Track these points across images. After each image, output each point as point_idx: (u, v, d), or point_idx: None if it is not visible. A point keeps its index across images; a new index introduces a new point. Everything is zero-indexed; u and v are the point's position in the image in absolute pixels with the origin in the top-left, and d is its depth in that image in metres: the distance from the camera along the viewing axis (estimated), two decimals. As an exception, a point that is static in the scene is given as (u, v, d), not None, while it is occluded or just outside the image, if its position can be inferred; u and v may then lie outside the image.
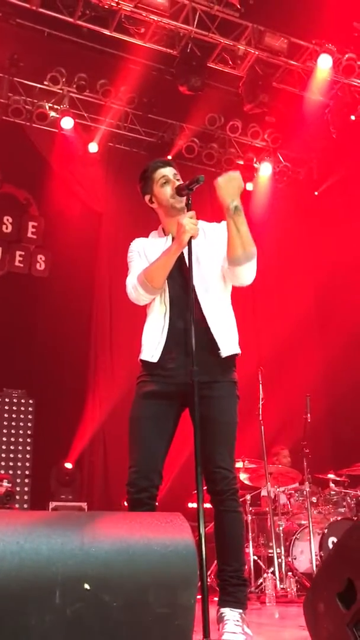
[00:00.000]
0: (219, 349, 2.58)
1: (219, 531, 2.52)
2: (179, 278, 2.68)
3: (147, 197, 2.83)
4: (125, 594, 1.32)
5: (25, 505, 6.35)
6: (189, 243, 2.55)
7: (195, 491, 5.79)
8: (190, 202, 2.66)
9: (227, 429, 2.58)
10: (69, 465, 6.81)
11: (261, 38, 6.87)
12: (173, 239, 2.69)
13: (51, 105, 7.53)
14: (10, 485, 4.98)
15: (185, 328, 2.56)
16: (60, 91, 7.48)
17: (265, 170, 8.47)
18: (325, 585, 1.89)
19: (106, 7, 6.46)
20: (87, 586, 1.28)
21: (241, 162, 8.42)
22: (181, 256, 2.65)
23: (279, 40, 6.94)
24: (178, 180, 2.78)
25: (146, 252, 2.78)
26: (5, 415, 6.64)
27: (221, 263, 2.73)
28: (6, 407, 6.73)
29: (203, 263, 2.68)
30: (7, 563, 1.23)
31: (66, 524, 1.37)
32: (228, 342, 2.63)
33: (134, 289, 2.66)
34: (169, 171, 2.78)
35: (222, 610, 2.43)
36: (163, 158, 2.97)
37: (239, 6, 6.59)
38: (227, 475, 2.51)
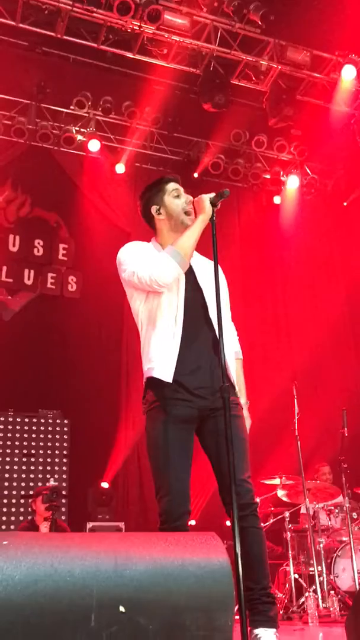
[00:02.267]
0: (231, 379, 2.63)
1: (243, 549, 2.45)
2: (194, 294, 2.66)
3: (153, 208, 2.76)
4: (161, 617, 1.30)
5: (63, 526, 6.36)
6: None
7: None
8: (214, 217, 2.57)
9: (244, 445, 2.57)
10: (105, 485, 6.80)
11: (283, 52, 6.90)
12: None
13: (78, 129, 7.67)
14: (57, 483, 4.98)
15: (195, 344, 2.58)
16: (87, 115, 7.62)
17: (292, 183, 8.45)
18: (368, 605, 1.83)
19: (129, 30, 6.57)
20: (122, 609, 1.26)
21: (268, 176, 8.43)
22: (192, 275, 2.67)
23: (302, 54, 6.96)
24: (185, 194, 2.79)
25: (150, 251, 2.71)
26: (42, 436, 6.68)
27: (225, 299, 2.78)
28: (42, 428, 6.77)
29: (212, 292, 2.57)
30: (41, 585, 1.23)
31: (100, 545, 1.36)
32: (233, 370, 2.71)
33: (161, 263, 2.52)
34: (179, 187, 2.79)
35: (257, 631, 2.33)
36: (175, 175, 2.92)
37: (260, 22, 6.62)
38: (250, 488, 2.49)
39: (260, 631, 2.31)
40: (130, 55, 6.89)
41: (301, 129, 7.89)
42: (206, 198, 2.56)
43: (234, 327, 2.87)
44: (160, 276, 2.53)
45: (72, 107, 7.53)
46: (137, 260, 2.62)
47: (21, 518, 6.40)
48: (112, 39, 6.79)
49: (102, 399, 7.40)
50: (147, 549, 1.38)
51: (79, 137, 7.67)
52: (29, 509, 5.62)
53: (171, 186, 2.76)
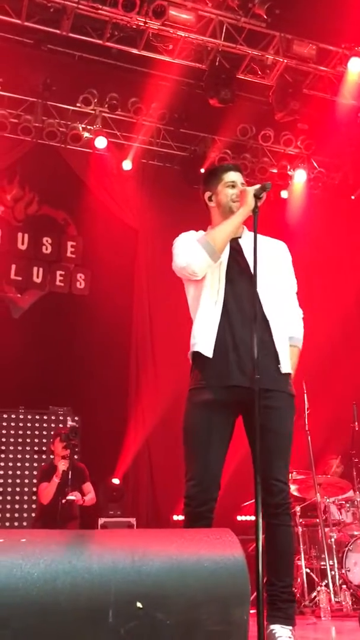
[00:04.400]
0: (279, 363, 2.53)
1: (270, 545, 2.46)
2: (236, 280, 2.63)
3: (207, 194, 2.80)
4: (178, 612, 1.31)
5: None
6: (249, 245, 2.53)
7: (245, 504, 5.71)
8: (257, 210, 2.58)
9: (285, 441, 2.51)
10: (116, 481, 6.84)
11: (289, 46, 6.85)
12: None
13: (84, 126, 7.66)
14: (75, 423, 5.06)
15: (239, 324, 2.55)
16: (93, 112, 7.62)
17: (299, 177, 8.41)
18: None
19: (134, 27, 6.56)
20: (139, 605, 1.28)
21: (275, 171, 8.39)
22: (242, 258, 2.65)
23: (308, 47, 6.91)
24: (243, 184, 2.76)
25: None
26: (52, 432, 6.71)
27: (283, 282, 2.73)
28: (52, 425, 6.81)
29: (265, 274, 2.58)
30: (60, 582, 1.24)
31: (117, 542, 1.37)
32: (287, 359, 2.59)
33: (193, 251, 2.56)
34: (237, 177, 2.77)
35: (273, 627, 2.35)
36: (236, 163, 2.91)
37: (265, 16, 6.59)
38: (284, 488, 2.47)
39: (276, 627, 2.32)
40: (135, 51, 6.88)
41: (308, 122, 7.85)
42: (250, 191, 2.57)
43: (297, 312, 2.79)
44: (190, 265, 2.57)
45: (78, 105, 7.52)
46: (179, 249, 2.67)
47: (32, 514, 6.45)
48: (118, 35, 6.78)
49: (111, 395, 7.43)
50: (164, 545, 1.39)
51: (86, 134, 7.67)
52: (51, 455, 5.72)
53: (228, 176, 2.76)
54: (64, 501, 4.80)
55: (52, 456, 5.53)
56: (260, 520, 2.06)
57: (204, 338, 2.55)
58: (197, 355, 2.57)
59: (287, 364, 2.57)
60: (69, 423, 5.13)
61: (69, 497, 4.82)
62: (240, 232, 2.76)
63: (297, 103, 7.08)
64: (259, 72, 7.18)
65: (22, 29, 6.70)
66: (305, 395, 5.03)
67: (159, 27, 6.51)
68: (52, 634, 1.22)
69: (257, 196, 2.55)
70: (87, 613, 1.25)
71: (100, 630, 1.25)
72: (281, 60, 6.96)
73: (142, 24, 6.48)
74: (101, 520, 6.32)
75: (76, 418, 6.44)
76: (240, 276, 2.64)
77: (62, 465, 4.94)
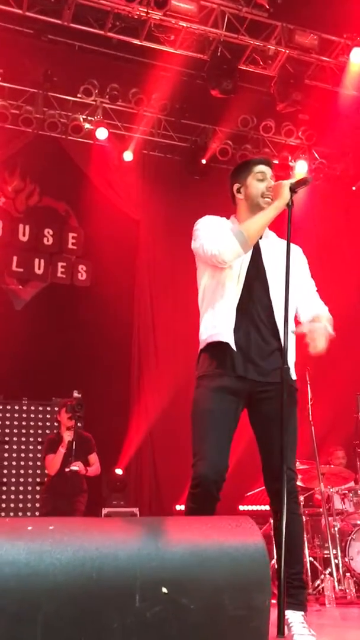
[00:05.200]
0: (286, 362, 2.55)
1: (279, 533, 2.50)
2: (255, 280, 2.65)
3: (235, 186, 2.78)
4: (202, 597, 1.34)
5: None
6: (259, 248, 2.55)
7: (248, 493, 5.74)
8: (292, 203, 2.58)
9: (293, 431, 2.56)
10: (119, 472, 6.88)
11: (291, 36, 6.84)
12: None
13: (85, 117, 7.64)
14: (80, 396, 5.11)
15: (256, 325, 2.59)
16: (94, 102, 7.59)
17: (300, 168, 8.41)
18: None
19: (135, 17, 6.54)
20: (164, 590, 1.31)
21: (276, 162, 8.38)
22: (260, 261, 2.67)
23: (309, 38, 6.90)
24: (272, 178, 2.76)
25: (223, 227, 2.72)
26: (56, 424, 6.73)
27: (300, 286, 2.73)
28: (55, 416, 6.82)
29: (279, 279, 2.58)
30: (87, 569, 1.27)
31: (141, 529, 1.40)
32: (292, 362, 2.63)
33: (225, 239, 2.55)
34: (267, 170, 2.76)
35: (285, 612, 2.41)
36: (267, 157, 2.90)
37: (267, 6, 6.58)
38: (292, 476, 2.51)
39: (289, 613, 2.37)
40: (137, 42, 6.86)
41: (309, 113, 7.85)
42: (286, 184, 2.55)
43: (317, 300, 2.79)
44: (221, 253, 2.55)
45: (79, 95, 7.50)
46: (207, 233, 2.64)
47: (37, 505, 6.49)
48: (119, 25, 6.76)
49: (114, 386, 7.45)
50: (187, 532, 1.42)
51: (87, 125, 7.65)
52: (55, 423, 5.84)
53: (258, 168, 2.74)
54: (67, 470, 4.84)
55: (56, 424, 5.59)
56: (285, 510, 2.14)
57: (224, 329, 2.58)
58: (215, 345, 2.60)
59: (291, 359, 2.62)
60: (75, 394, 5.14)
61: (72, 468, 4.86)
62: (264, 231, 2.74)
63: (298, 94, 7.08)
64: (261, 63, 7.17)
65: (22, 19, 6.67)
66: (308, 385, 5.06)
67: (160, 17, 6.49)
68: (81, 618, 1.25)
69: (292, 190, 2.55)
70: (114, 597, 1.28)
71: (127, 614, 1.28)
72: (283, 50, 6.95)
73: (144, 14, 6.46)
74: (104, 510, 6.36)
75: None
76: (256, 278, 2.65)
77: (67, 436, 5.00)
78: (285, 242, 2.79)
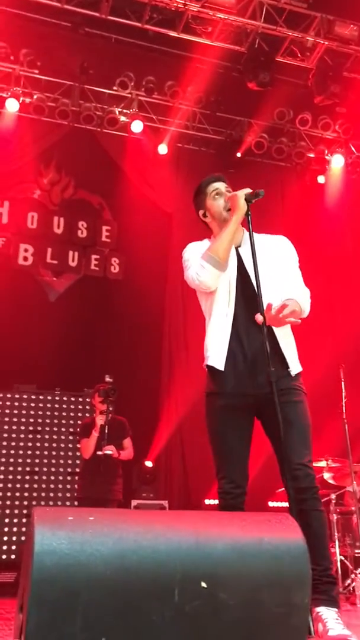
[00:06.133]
0: (288, 367, 2.66)
1: (306, 530, 2.48)
2: (246, 289, 2.71)
3: (201, 212, 2.92)
4: (241, 593, 1.33)
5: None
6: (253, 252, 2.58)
7: (278, 490, 5.70)
8: (250, 213, 2.67)
9: (306, 430, 2.62)
10: (149, 464, 6.90)
11: (330, 28, 6.74)
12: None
13: (121, 110, 7.65)
14: (112, 380, 5.16)
15: (249, 334, 2.65)
16: (129, 95, 7.59)
17: (337, 162, 8.28)
18: None
19: (173, 9, 6.50)
20: (204, 584, 1.30)
21: (312, 155, 8.29)
22: (242, 267, 2.73)
23: (349, 29, 6.79)
24: (228, 190, 2.83)
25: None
26: (87, 414, 6.79)
27: (283, 278, 2.75)
28: (87, 407, 6.89)
29: (268, 277, 2.66)
30: (127, 560, 1.27)
31: (181, 523, 1.39)
32: (294, 359, 2.71)
33: (199, 268, 2.67)
34: (220, 185, 2.86)
35: (318, 609, 2.40)
36: (215, 174, 2.97)
37: (306, -3, 6.48)
38: (309, 472, 2.54)
39: (322, 609, 2.36)
40: (174, 34, 6.82)
41: (347, 106, 7.70)
42: (241, 196, 2.64)
43: (302, 292, 2.76)
44: (202, 282, 2.69)
45: (114, 88, 7.50)
46: (190, 263, 2.78)
47: (68, 495, 6.57)
48: (156, 18, 6.73)
49: (145, 379, 7.47)
50: (226, 527, 1.41)
51: (122, 118, 7.66)
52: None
53: (210, 188, 2.86)
54: (100, 454, 4.89)
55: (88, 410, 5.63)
56: (295, 509, 2.20)
57: (216, 352, 2.69)
58: (210, 367, 2.72)
59: (295, 366, 2.70)
60: (107, 379, 5.17)
61: (106, 452, 4.90)
62: (240, 239, 2.81)
63: (337, 86, 6.96)
64: (299, 55, 7.07)
65: (61, 12, 6.69)
66: (342, 382, 5.00)
67: (198, 9, 6.45)
68: (120, 608, 1.25)
69: (248, 200, 2.63)
70: (153, 590, 1.28)
71: (166, 607, 1.27)
72: (322, 42, 6.84)
73: (182, 6, 6.43)
74: (134, 502, 6.39)
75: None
76: (245, 286, 2.71)
77: (100, 420, 5.05)
78: (266, 236, 2.89)
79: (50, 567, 1.22)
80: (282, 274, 2.76)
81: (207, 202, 2.86)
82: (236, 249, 2.79)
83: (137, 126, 7.60)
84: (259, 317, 2.45)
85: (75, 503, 6.20)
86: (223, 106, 7.90)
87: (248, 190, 2.65)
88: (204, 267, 2.65)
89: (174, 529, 1.36)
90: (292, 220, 8.25)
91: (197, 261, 2.71)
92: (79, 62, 7.32)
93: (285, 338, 2.70)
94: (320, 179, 8.41)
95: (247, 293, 2.69)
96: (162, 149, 7.90)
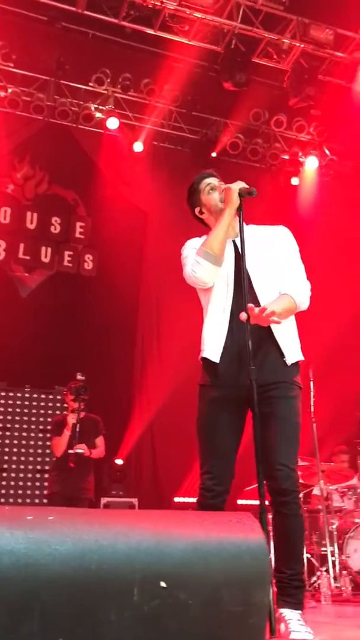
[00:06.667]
0: (284, 356, 2.58)
1: (281, 534, 2.49)
2: (239, 279, 2.67)
3: (196, 210, 2.87)
4: (200, 592, 1.33)
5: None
6: (242, 244, 2.56)
7: (247, 488, 5.75)
8: (242, 208, 2.64)
9: (293, 428, 2.55)
10: (119, 462, 6.89)
11: (306, 31, 6.79)
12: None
13: (97, 106, 7.62)
14: (84, 378, 5.14)
15: (251, 329, 2.55)
16: (105, 92, 7.56)
17: (311, 164, 8.37)
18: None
19: (150, 6, 6.49)
20: (163, 584, 1.30)
21: (286, 157, 8.36)
22: (239, 260, 2.68)
23: (325, 32, 6.85)
24: (221, 184, 2.79)
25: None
26: (57, 412, 6.76)
27: (282, 269, 2.70)
28: (58, 405, 6.85)
29: (261, 267, 2.66)
30: (87, 560, 1.27)
31: (141, 522, 1.40)
32: (292, 347, 2.62)
33: (195, 264, 2.64)
34: (213, 180, 2.82)
35: (283, 610, 2.42)
36: (207, 170, 2.95)
37: (283, -1, 6.53)
38: (290, 474, 2.47)
39: (286, 611, 2.39)
40: (151, 31, 6.81)
41: (321, 109, 7.78)
42: (235, 190, 2.61)
43: (301, 285, 2.71)
44: (198, 279, 2.67)
45: (91, 84, 7.48)
46: (186, 262, 2.75)
47: (37, 492, 6.53)
48: (133, 15, 6.71)
49: (117, 377, 7.46)
50: (187, 527, 1.42)
51: (98, 114, 7.63)
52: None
53: (203, 184, 2.82)
54: (70, 452, 4.86)
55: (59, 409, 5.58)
56: (264, 506, 2.12)
57: (212, 345, 2.64)
58: (206, 359, 2.67)
59: (292, 355, 2.60)
60: (78, 377, 5.14)
61: (77, 450, 4.88)
62: (236, 232, 2.74)
63: (312, 89, 7.03)
64: (275, 56, 7.12)
65: (36, 5, 6.63)
66: (311, 382, 5.05)
67: (175, 7, 6.45)
68: (78, 609, 1.24)
69: (241, 195, 2.60)
70: (112, 590, 1.27)
71: (125, 607, 1.27)
72: (297, 44, 6.89)
73: (159, 4, 6.42)
74: (104, 500, 6.38)
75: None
76: (242, 279, 2.65)
77: (71, 419, 5.02)
78: (264, 227, 2.86)
79: (8, 567, 1.21)
80: (280, 265, 2.70)
81: (202, 198, 2.81)
82: (233, 241, 2.74)
83: (112, 123, 7.58)
84: (243, 315, 2.42)
85: (45, 501, 6.18)
86: (199, 105, 7.93)
87: (243, 185, 2.62)
88: (199, 263, 2.62)
89: (134, 528, 1.36)
90: (265, 222, 8.31)
91: (193, 257, 2.68)
92: (55, 57, 7.27)
93: (281, 327, 2.57)
94: (294, 181, 8.48)
95: (245, 293, 2.64)
96: (138, 146, 7.90)
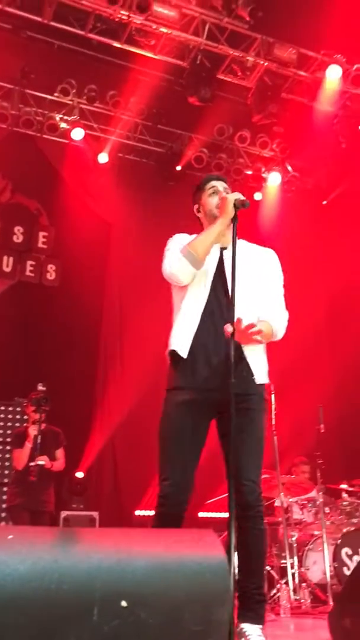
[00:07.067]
0: (252, 375, 2.59)
1: (243, 548, 2.47)
2: (220, 289, 2.67)
3: (195, 207, 2.89)
4: (161, 611, 1.33)
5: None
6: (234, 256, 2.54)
7: (209, 501, 5.74)
8: (237, 219, 2.61)
9: (258, 443, 2.56)
10: (80, 475, 6.81)
11: (270, 49, 6.92)
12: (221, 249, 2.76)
13: (62, 116, 7.59)
14: (45, 389, 5.03)
15: (216, 337, 2.56)
16: (71, 102, 7.54)
17: (273, 180, 8.50)
18: (351, 600, 1.89)
19: (117, 19, 6.52)
20: (124, 603, 1.29)
21: (250, 172, 8.47)
22: (223, 271, 2.69)
23: (288, 51, 6.98)
24: (226, 190, 2.80)
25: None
26: (17, 424, 6.64)
27: (263, 293, 2.70)
28: (17, 417, 6.74)
29: (244, 283, 2.61)
30: (46, 581, 1.25)
31: (102, 541, 1.39)
32: (261, 369, 2.64)
33: (175, 260, 2.63)
34: (219, 184, 2.83)
35: (243, 625, 2.41)
36: (219, 174, 2.97)
37: (248, 18, 6.63)
38: (255, 489, 2.49)
39: (246, 626, 2.38)
40: (117, 44, 6.83)
41: (284, 126, 7.93)
42: (231, 200, 2.59)
43: (280, 314, 2.73)
44: (173, 274, 2.65)
45: (56, 94, 7.45)
46: (168, 256, 2.72)
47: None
48: (100, 27, 6.73)
49: (79, 388, 7.39)
50: (148, 545, 1.41)
51: (63, 124, 7.60)
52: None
53: (209, 184, 2.83)
54: (32, 464, 4.78)
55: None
56: (233, 522, 2.10)
57: (182, 340, 2.61)
58: (175, 355, 2.62)
59: (261, 376, 2.62)
60: (39, 387, 5.06)
61: (38, 462, 4.80)
62: (228, 241, 2.73)
63: (275, 106, 7.16)
64: (239, 73, 7.22)
65: (1, 13, 6.57)
66: (272, 395, 5.09)
67: (142, 21, 6.48)
68: (38, 630, 1.23)
69: (236, 206, 2.59)
70: (72, 610, 1.26)
71: (84, 627, 1.26)
72: (261, 62, 7.01)
73: (125, 18, 6.45)
74: (64, 514, 6.28)
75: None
76: (220, 289, 2.69)
77: (32, 430, 4.93)
78: (255, 246, 2.87)
79: (-35, 589, 1.18)
80: (262, 288, 2.71)
81: (203, 198, 2.83)
82: (221, 250, 2.75)
83: (77, 134, 7.56)
84: (228, 328, 2.38)
85: (3, 514, 6.06)
86: (164, 119, 7.98)
87: (239, 196, 2.61)
88: (179, 260, 2.62)
89: (95, 547, 1.35)
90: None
91: (175, 252, 2.67)
92: (20, 66, 7.23)
93: (253, 348, 2.59)
94: (257, 196, 8.60)
95: (220, 297, 2.66)
96: (103, 157, 7.89)
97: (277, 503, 5.50)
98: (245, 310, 2.54)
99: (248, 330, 2.42)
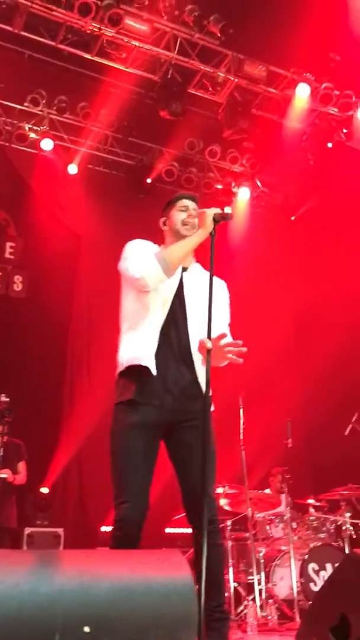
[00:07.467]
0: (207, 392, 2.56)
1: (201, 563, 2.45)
2: (178, 310, 2.68)
3: (162, 220, 2.89)
4: (126, 636, 1.28)
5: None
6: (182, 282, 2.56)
7: (176, 517, 5.68)
8: (215, 233, 2.62)
9: (213, 459, 2.57)
10: (45, 490, 6.67)
11: (241, 66, 6.99)
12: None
13: (31, 126, 7.52)
14: (8, 399, 4.88)
15: (176, 356, 2.59)
16: (41, 112, 7.48)
17: (243, 194, 8.57)
18: (318, 619, 1.87)
19: (88, 32, 6.50)
20: (87, 629, 1.24)
21: (220, 187, 8.51)
22: (181, 293, 2.70)
23: (258, 69, 7.07)
24: (195, 211, 2.80)
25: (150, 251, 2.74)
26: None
27: (218, 318, 2.67)
28: (-19, 430, 6.56)
29: (199, 311, 2.62)
30: (6, 607, 1.19)
31: (65, 563, 1.33)
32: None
33: (147, 263, 2.58)
34: (190, 204, 2.84)
35: None
36: (193, 194, 2.99)
37: (219, 34, 6.69)
38: (213, 504, 2.55)
39: (211, 647, 2.33)
40: (88, 56, 6.82)
41: (254, 142, 8.00)
42: (210, 214, 2.60)
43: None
44: (143, 277, 2.58)
45: (26, 104, 7.39)
46: (134, 256, 2.67)
47: None
48: (71, 38, 6.70)
49: (44, 402, 7.26)
50: (113, 567, 1.37)
51: (32, 134, 7.53)
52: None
53: (181, 202, 2.84)
54: None
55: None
56: (205, 542, 2.07)
57: (145, 353, 2.58)
58: (135, 369, 2.58)
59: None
60: (2, 398, 4.93)
61: (1, 475, 4.68)
62: (188, 262, 2.80)
63: (245, 122, 7.23)
64: (210, 89, 7.28)
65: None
66: (241, 409, 5.09)
67: (113, 34, 6.48)
68: (-5, 660, 1.17)
69: (216, 220, 2.60)
70: (33, 637, 1.20)
71: (45, 656, 1.20)
72: (232, 78, 7.08)
73: (97, 30, 6.44)
74: (27, 530, 6.13)
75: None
76: (178, 309, 2.69)
77: None
78: (207, 274, 2.84)
79: None
80: (215, 315, 2.66)
81: (171, 212, 2.84)
82: (182, 270, 2.74)
83: (47, 144, 7.50)
84: (207, 343, 2.35)
85: None
86: (135, 131, 7.98)
87: (217, 210, 2.62)
88: (152, 265, 2.57)
89: (57, 570, 1.30)
90: (197, 251, 8.40)
91: (144, 256, 2.61)
92: (-11, 75, 7.14)
93: (202, 367, 2.56)
94: (227, 210, 8.61)
95: (178, 318, 2.66)
96: (72, 169, 7.84)
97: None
98: (199, 334, 2.56)
99: (225, 348, 2.40)
